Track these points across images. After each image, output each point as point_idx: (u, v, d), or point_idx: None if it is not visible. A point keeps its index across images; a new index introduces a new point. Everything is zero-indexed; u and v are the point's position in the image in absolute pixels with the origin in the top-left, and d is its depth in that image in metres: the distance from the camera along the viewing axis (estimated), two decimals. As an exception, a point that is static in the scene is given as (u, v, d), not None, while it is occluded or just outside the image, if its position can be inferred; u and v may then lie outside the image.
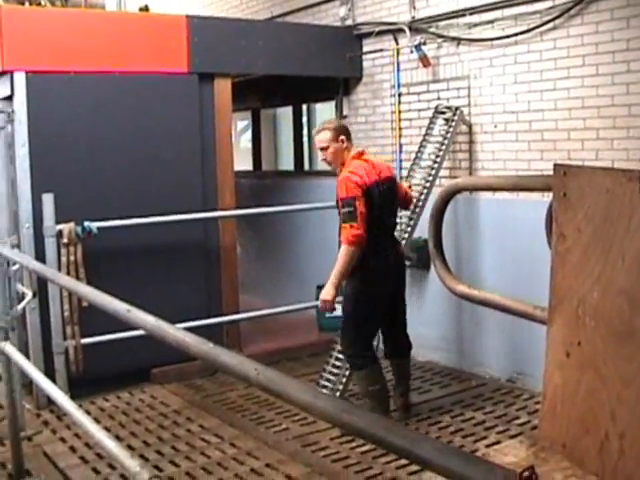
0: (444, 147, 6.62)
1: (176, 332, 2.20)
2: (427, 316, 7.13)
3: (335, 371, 6.19)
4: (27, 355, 5.58)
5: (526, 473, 1.32)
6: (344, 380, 6.08)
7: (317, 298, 7.81)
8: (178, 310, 6.22)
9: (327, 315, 7.82)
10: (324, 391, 6.08)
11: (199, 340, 2.12)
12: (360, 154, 5.53)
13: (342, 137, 5.50)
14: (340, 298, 5.59)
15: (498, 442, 5.15)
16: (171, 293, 6.65)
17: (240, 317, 7.26)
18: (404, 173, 7.03)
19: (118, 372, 6.50)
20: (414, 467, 4.77)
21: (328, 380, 6.17)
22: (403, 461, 4.90)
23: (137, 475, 2.61)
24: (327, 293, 5.36)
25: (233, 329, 7.27)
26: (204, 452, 5.28)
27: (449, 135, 6.61)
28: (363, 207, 5.21)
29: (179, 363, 6.76)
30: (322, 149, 5.53)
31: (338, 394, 6.00)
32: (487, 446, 5.09)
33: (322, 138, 5.51)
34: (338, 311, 7.50)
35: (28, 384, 6.12)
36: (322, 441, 5.39)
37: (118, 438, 5.32)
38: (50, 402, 5.61)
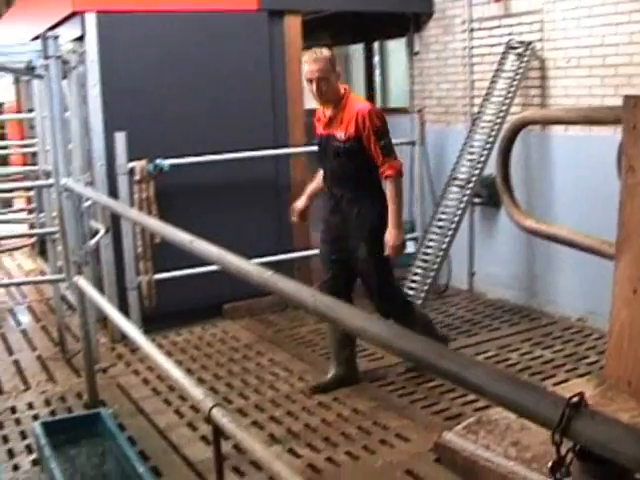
0: (516, 83, 6.48)
1: (238, 261, 2.22)
2: (498, 254, 7.07)
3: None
4: (102, 291, 5.71)
5: (575, 399, 1.31)
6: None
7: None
8: (248, 246, 6.23)
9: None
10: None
11: (259, 269, 2.15)
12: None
13: (338, 68, 4.95)
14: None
15: (566, 380, 5.13)
16: (242, 230, 6.70)
17: (311, 253, 7.28)
18: (475, 110, 6.93)
19: (190, 307, 6.61)
20: (480, 403, 4.77)
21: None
22: (469, 397, 4.92)
23: (201, 403, 2.66)
24: (397, 238, 4.87)
25: (304, 266, 7.30)
26: (273, 385, 5.37)
27: (521, 71, 6.47)
28: None
29: (250, 299, 6.86)
30: (319, 80, 4.79)
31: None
32: (555, 384, 5.06)
33: (322, 67, 4.78)
34: (410, 248, 7.52)
35: (103, 319, 6.28)
36: (389, 376, 5.42)
37: (189, 371, 5.45)
38: (124, 336, 5.72)
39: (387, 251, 4.90)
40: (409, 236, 7.48)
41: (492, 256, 7.11)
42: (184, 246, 2.68)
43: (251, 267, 2.17)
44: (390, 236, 4.88)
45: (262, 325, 6.73)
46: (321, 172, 5.22)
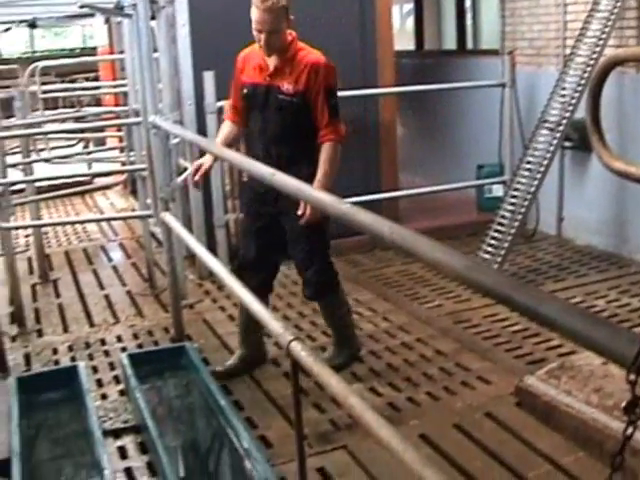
0: (610, 23, 6.25)
1: (316, 193, 2.21)
2: (588, 199, 6.91)
3: (492, 250, 6.15)
4: (190, 228, 5.79)
5: (652, 335, 1.26)
6: (499, 260, 6.02)
7: (478, 177, 7.76)
8: (336, 186, 6.26)
9: (487, 195, 7.74)
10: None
11: (336, 199, 2.13)
12: None
13: (291, 17, 4.29)
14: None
15: (653, 328, 5.02)
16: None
17: (399, 194, 7.25)
18: (567, 51, 6.72)
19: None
20: (564, 349, 4.72)
21: (484, 260, 6.13)
22: (553, 342, 4.86)
23: (280, 337, 2.68)
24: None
25: (391, 206, 7.25)
26: (357, 324, 5.38)
27: (616, 11, 6.23)
28: None
29: (337, 239, 6.86)
30: (270, 33, 4.16)
31: (493, 274, 5.95)
32: (642, 332, 4.95)
33: (275, 19, 4.14)
34: (498, 191, 7.42)
35: (191, 256, 6.37)
36: (474, 319, 5.39)
37: (275, 309, 5.51)
38: (211, 273, 5.79)
39: (301, 209, 4.20)
40: (497, 179, 7.39)
41: (582, 201, 6.95)
42: (266, 179, 2.68)
43: (328, 198, 2.15)
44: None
45: (348, 265, 6.73)
46: (228, 128, 4.60)
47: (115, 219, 9.07)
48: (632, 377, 1.26)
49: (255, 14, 4.18)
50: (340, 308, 4.68)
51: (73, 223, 9.20)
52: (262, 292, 4.43)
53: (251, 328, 4.63)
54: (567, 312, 1.36)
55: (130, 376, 4.34)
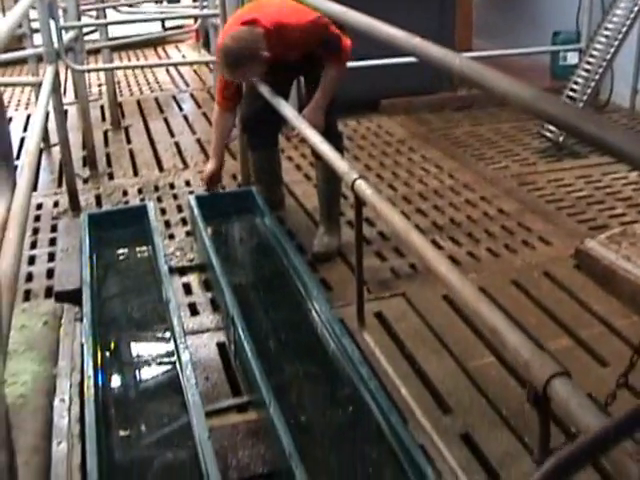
0: None
1: (387, 28, 2.19)
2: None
3: (562, 117, 6.04)
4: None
5: None
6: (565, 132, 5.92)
7: (553, 44, 7.57)
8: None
9: (561, 63, 7.56)
10: (547, 136, 5.99)
11: (407, 34, 2.12)
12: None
13: (258, 46, 3.93)
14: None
15: None
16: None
17: (472, 54, 7.11)
18: None
19: (347, 101, 6.57)
20: (628, 218, 4.72)
21: (550, 129, 6.04)
22: (617, 210, 4.87)
23: (345, 175, 2.71)
24: (319, 119, 4.14)
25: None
26: (422, 180, 5.41)
27: None
28: None
29: (408, 96, 6.84)
30: (244, 78, 4.15)
31: (561, 139, 5.90)
32: None
33: (239, 72, 4.01)
34: (573, 59, 7.23)
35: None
36: (539, 182, 5.37)
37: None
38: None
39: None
40: (573, 46, 7.20)
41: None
42: (337, 16, 2.66)
43: (400, 33, 2.14)
44: (311, 115, 4.09)
45: (417, 123, 6.73)
46: (224, 122, 4.53)
47: (185, 64, 9.10)
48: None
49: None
50: (339, 178, 4.52)
51: (144, 67, 9.30)
52: (270, 142, 4.68)
53: (270, 173, 4.80)
54: (632, 140, 1.36)
55: (197, 216, 4.44)
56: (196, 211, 4.50)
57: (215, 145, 4.63)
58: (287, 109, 3.76)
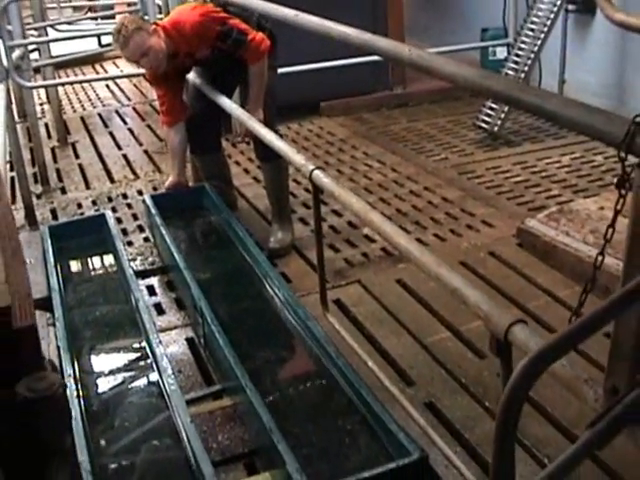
0: None
1: (338, 27, 2.37)
2: (590, 62, 6.98)
3: (492, 112, 6.28)
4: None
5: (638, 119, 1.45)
6: (502, 116, 6.17)
7: (482, 40, 7.82)
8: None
9: (490, 58, 7.81)
10: (483, 127, 6.23)
11: (360, 32, 2.29)
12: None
13: (152, 26, 4.26)
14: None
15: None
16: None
17: (404, 56, 7.33)
18: None
19: (288, 104, 6.75)
20: (563, 198, 4.97)
21: (485, 120, 6.29)
22: (554, 192, 5.11)
23: (303, 167, 2.88)
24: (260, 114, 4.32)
25: (398, 68, 7.37)
26: (367, 175, 5.61)
27: None
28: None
29: (347, 97, 7.04)
30: (142, 55, 4.18)
31: (496, 129, 6.14)
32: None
33: (139, 42, 4.11)
34: (502, 54, 7.50)
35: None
36: (478, 170, 5.60)
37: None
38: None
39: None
40: (501, 42, 7.46)
41: (584, 64, 7.02)
42: (288, 20, 2.83)
43: (350, 30, 2.32)
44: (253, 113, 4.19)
45: (357, 122, 6.94)
46: (177, 138, 4.68)
47: (129, 76, 9.17)
48: (622, 154, 1.46)
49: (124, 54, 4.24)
50: (285, 177, 4.69)
51: (90, 81, 9.42)
52: (212, 147, 4.81)
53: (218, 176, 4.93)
54: (567, 105, 1.56)
55: (154, 215, 4.56)
56: (153, 209, 4.62)
57: (172, 163, 4.81)
58: (233, 107, 3.95)
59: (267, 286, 3.85)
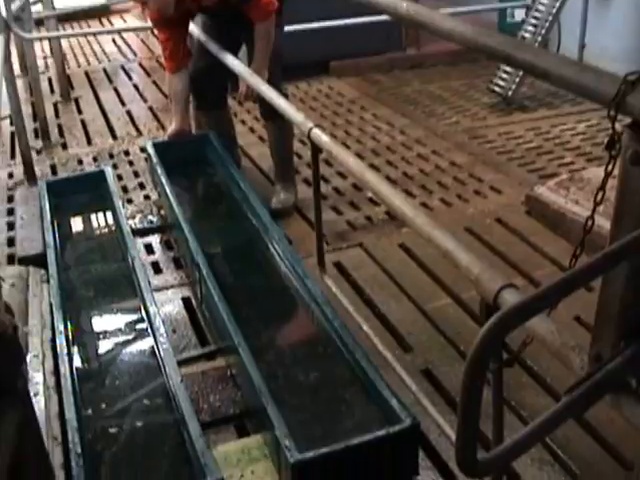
0: None
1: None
2: (612, 26, 6.93)
3: (507, 77, 6.24)
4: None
5: (631, 77, 1.45)
6: (514, 86, 6.13)
7: (500, 0, 7.76)
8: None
9: (508, 20, 7.76)
10: (497, 91, 6.20)
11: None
12: None
13: None
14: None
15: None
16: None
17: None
18: None
19: (297, 63, 6.74)
20: (576, 166, 4.97)
21: (499, 85, 6.25)
22: (567, 159, 5.12)
23: (302, 125, 2.89)
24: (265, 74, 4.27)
25: (412, 29, 7.32)
26: (374, 137, 5.62)
27: None
28: None
29: (358, 58, 7.02)
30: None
31: (511, 94, 6.11)
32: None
33: None
34: (520, 16, 7.44)
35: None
36: (490, 135, 5.59)
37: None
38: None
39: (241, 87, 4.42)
40: (519, 3, 7.40)
41: (605, 28, 6.97)
42: None
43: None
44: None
45: (367, 83, 6.93)
46: (181, 84, 4.62)
47: (133, 30, 9.17)
48: (612, 113, 1.46)
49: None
50: (289, 137, 4.70)
51: (93, 34, 9.40)
52: (218, 103, 4.77)
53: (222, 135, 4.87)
54: (560, 62, 1.56)
55: (156, 164, 4.55)
56: (154, 159, 4.62)
57: (174, 109, 4.72)
58: (237, 64, 3.94)
59: (268, 244, 3.84)
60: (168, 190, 4.24)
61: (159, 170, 4.47)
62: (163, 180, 4.35)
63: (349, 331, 3.02)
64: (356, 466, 2.51)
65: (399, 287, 3.74)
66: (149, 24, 4.81)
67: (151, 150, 4.73)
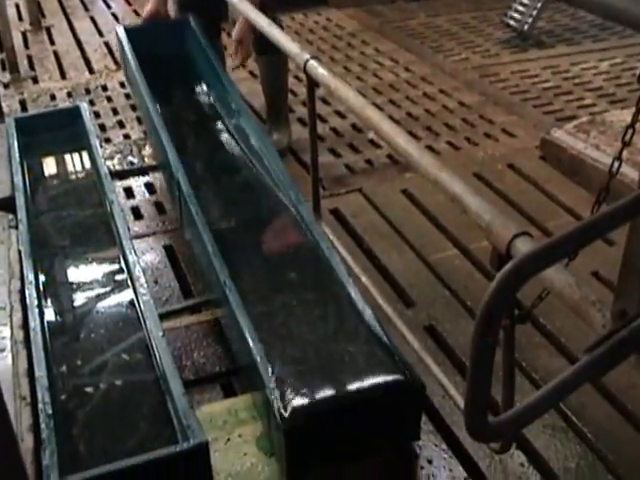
0: None
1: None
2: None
3: (523, 9, 6.17)
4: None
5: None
6: (531, 20, 6.06)
7: None
8: None
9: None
10: (511, 25, 6.13)
11: None
12: None
13: None
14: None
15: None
16: None
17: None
18: None
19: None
20: (597, 108, 4.95)
21: (514, 18, 6.18)
22: (586, 101, 5.10)
23: (297, 57, 2.83)
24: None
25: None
26: (376, 74, 5.56)
27: None
28: None
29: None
30: None
31: (526, 28, 6.04)
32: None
33: None
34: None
35: None
36: (503, 73, 5.54)
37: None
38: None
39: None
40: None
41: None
42: None
43: None
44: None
45: (369, 15, 6.85)
46: None
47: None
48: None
49: None
50: (283, 73, 4.65)
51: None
52: (209, 33, 4.60)
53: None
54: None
55: (127, 53, 4.37)
56: (126, 47, 4.42)
57: None
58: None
59: (258, 165, 3.72)
60: (142, 87, 4.07)
61: (132, 63, 4.28)
62: (137, 77, 4.17)
63: (345, 269, 2.90)
64: (353, 428, 2.48)
65: (401, 236, 3.71)
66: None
67: (123, 36, 4.53)
